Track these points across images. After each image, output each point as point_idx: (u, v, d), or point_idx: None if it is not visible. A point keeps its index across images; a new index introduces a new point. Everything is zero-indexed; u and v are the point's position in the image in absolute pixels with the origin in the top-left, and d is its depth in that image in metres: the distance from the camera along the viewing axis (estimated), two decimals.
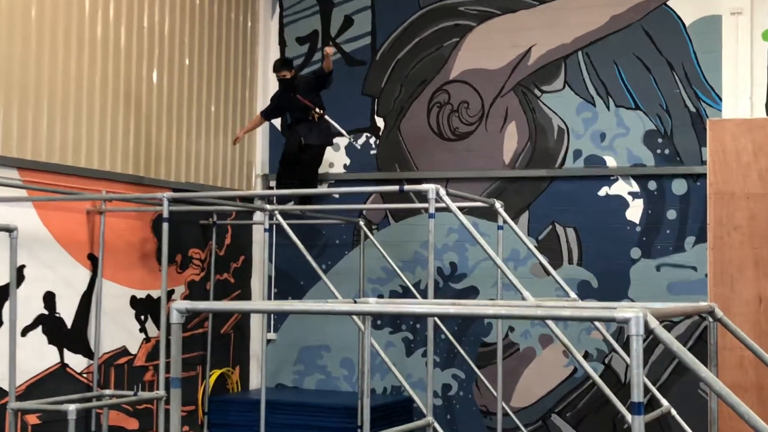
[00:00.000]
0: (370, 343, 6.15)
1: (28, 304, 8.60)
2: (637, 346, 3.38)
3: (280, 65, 10.14)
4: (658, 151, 10.15)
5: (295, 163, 10.28)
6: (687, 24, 10.07)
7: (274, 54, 11.70)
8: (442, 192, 7.06)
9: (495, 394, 8.93)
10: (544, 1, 10.62)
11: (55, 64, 8.93)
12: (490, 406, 10.41)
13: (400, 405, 10.52)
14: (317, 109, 10.16)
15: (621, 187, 10.25)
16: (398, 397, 10.68)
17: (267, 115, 10.72)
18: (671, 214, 10.04)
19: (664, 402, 7.55)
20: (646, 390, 7.71)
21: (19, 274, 8.39)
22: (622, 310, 3.48)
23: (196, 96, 10.77)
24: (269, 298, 11.29)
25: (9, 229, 7.40)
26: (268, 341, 11.21)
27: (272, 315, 11.31)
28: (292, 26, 11.73)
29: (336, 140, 11.15)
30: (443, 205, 7.15)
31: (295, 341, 11.42)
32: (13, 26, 8.47)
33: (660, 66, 10.17)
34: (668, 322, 9.32)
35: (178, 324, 4.17)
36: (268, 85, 11.65)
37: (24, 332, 8.55)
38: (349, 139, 10.99)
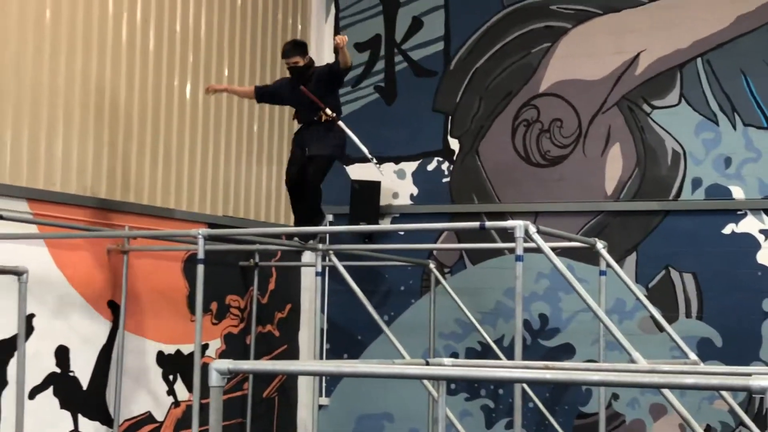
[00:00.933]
0: (444, 412, 6.15)
1: (37, 360, 8.70)
2: None
3: (291, 49, 9.46)
4: None
5: (301, 181, 9.50)
6: None
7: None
8: (532, 229, 7.05)
9: None
10: (654, 1, 10.63)
11: (71, 85, 9.09)
12: None
13: None
14: (327, 110, 9.31)
15: (751, 224, 10.16)
16: None
17: (260, 95, 9.87)
18: None
19: None
20: None
21: (28, 325, 8.49)
22: (760, 377, 3.46)
23: (236, 115, 10.89)
24: (321, 356, 11.29)
25: (18, 272, 7.49)
26: (320, 407, 11.25)
27: (324, 377, 11.36)
28: (350, 30, 11.80)
29: (400, 167, 11.24)
30: (532, 245, 7.14)
31: (351, 408, 11.46)
32: (25, 49, 8.65)
33: None
34: None
35: (219, 387, 4.19)
36: None
37: (32, 394, 8.65)
38: (377, 166, 9.95)
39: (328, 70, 9.46)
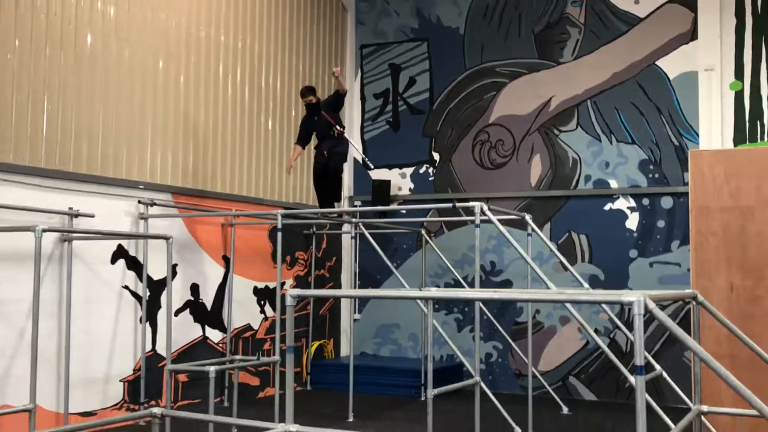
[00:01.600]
0: (431, 322, 6.18)
1: (179, 293, 8.81)
2: (639, 322, 3.35)
3: (307, 91, 9.04)
4: (650, 175, 10.02)
5: (325, 176, 9.18)
6: (671, 78, 9.93)
7: (358, 107, 11.83)
8: (485, 208, 7.06)
9: (526, 360, 8.90)
10: (560, 63, 10.58)
11: (198, 113, 9.16)
12: (522, 370, 10.37)
13: (453, 368, 10.52)
14: (338, 126, 9.02)
15: (621, 204, 10.14)
16: (452, 362, 10.69)
17: (302, 141, 9.29)
18: (660, 224, 9.91)
19: (657, 367, 7.44)
20: (644, 358, 7.63)
21: (173, 271, 8.59)
22: (627, 294, 3.47)
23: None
24: (354, 288, 11.38)
25: (166, 238, 7.55)
26: (355, 320, 11.31)
27: (357, 300, 11.41)
28: (370, 85, 11.81)
29: (403, 171, 11.26)
30: (486, 217, 7.15)
31: (374, 320, 11.49)
32: (174, 89, 8.72)
33: (651, 111, 10.05)
34: (660, 305, 9.18)
35: (291, 306, 4.22)
36: (353, 129, 11.76)
37: (176, 313, 8.76)
38: (368, 166, 10.19)
39: (335, 95, 9.14)
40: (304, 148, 9.39)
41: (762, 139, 9.41)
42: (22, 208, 6.98)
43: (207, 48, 9.29)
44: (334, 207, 9.27)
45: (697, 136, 9.70)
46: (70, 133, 7.62)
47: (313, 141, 9.38)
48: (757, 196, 6.85)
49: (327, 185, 9.21)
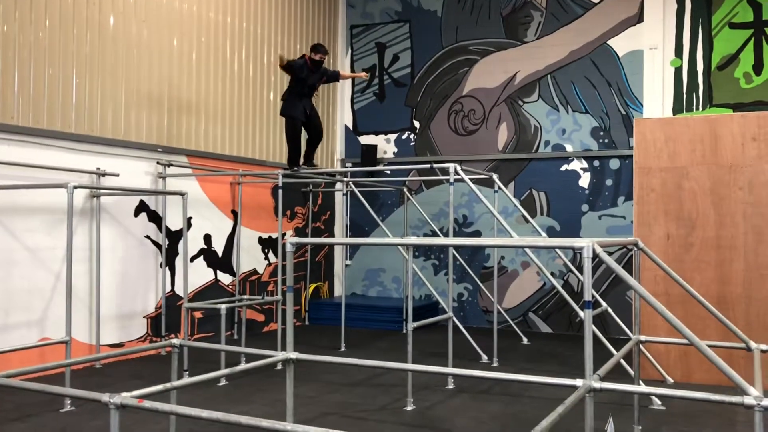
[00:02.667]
0: (411, 266, 6.21)
1: (194, 242, 8.78)
2: (587, 264, 3.39)
3: (324, 50, 8.02)
4: (601, 140, 10.02)
5: (304, 127, 8.19)
6: (620, 55, 9.87)
7: (349, 84, 11.70)
8: (458, 168, 7.04)
9: (492, 299, 8.98)
10: (525, 42, 10.48)
11: (209, 87, 9.03)
12: (489, 307, 10.48)
13: (430, 306, 10.61)
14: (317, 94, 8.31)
15: (575, 165, 10.15)
16: (429, 301, 10.77)
17: (288, 68, 7.95)
18: (609, 182, 9.94)
19: (604, 303, 7.53)
20: (592, 295, 7.72)
21: (189, 223, 8.57)
22: (578, 241, 3.49)
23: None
24: (346, 237, 11.41)
25: (181, 193, 7.52)
26: (346, 265, 11.36)
27: (348, 247, 11.43)
28: (359, 61, 11.66)
29: (388, 137, 11.19)
30: (459, 177, 7.14)
31: (363, 265, 11.53)
32: (187, 65, 8.59)
33: (602, 84, 10.00)
34: (607, 251, 9.26)
35: (291, 252, 4.23)
36: (344, 100, 11.67)
37: (192, 259, 8.74)
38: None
39: (333, 74, 8.35)
40: (285, 70, 8.01)
41: (697, 109, 9.41)
42: (55, 168, 6.93)
43: (215, 29, 9.13)
44: (313, 165, 8.35)
45: (642, 106, 9.68)
46: (97, 102, 7.51)
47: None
48: (691, 157, 6.87)
49: (298, 143, 8.22)
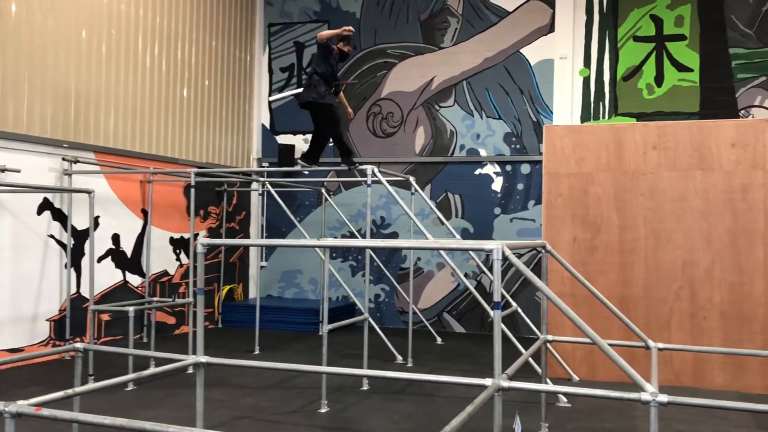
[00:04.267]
0: (328, 267, 6.19)
1: (102, 241, 8.47)
2: (497, 266, 3.48)
3: (354, 43, 7.52)
4: (513, 146, 10.31)
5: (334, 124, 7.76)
6: (532, 64, 10.19)
7: (266, 79, 11.55)
8: (376, 170, 7.07)
9: (408, 299, 9.07)
10: (442, 48, 10.65)
11: (119, 81, 8.73)
12: (405, 308, 10.58)
13: (347, 307, 10.61)
14: (341, 85, 7.77)
15: (489, 169, 10.39)
16: (346, 302, 10.77)
17: (326, 45, 7.49)
18: (520, 186, 10.24)
19: (514, 304, 7.74)
20: (502, 296, 7.93)
21: (96, 223, 8.26)
22: (489, 244, 3.57)
23: (213, 106, 10.59)
24: (262, 238, 11.25)
25: (88, 192, 7.24)
26: (261, 267, 11.21)
27: (264, 248, 11.28)
28: (277, 60, 11.55)
29: (306, 137, 11.13)
30: (377, 179, 7.17)
31: (279, 267, 11.41)
32: (96, 58, 8.26)
33: (514, 91, 10.29)
34: (517, 253, 9.54)
35: (202, 253, 4.15)
36: (261, 99, 11.52)
37: (99, 260, 8.43)
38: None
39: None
40: (324, 47, 7.46)
41: (603, 117, 9.84)
42: None
43: (127, 22, 8.82)
44: (352, 160, 7.80)
45: (552, 113, 10.03)
46: None
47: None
48: (597, 164, 7.17)
49: (332, 134, 7.74)
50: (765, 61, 9.20)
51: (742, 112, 9.24)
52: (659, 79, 9.60)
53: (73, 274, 7.98)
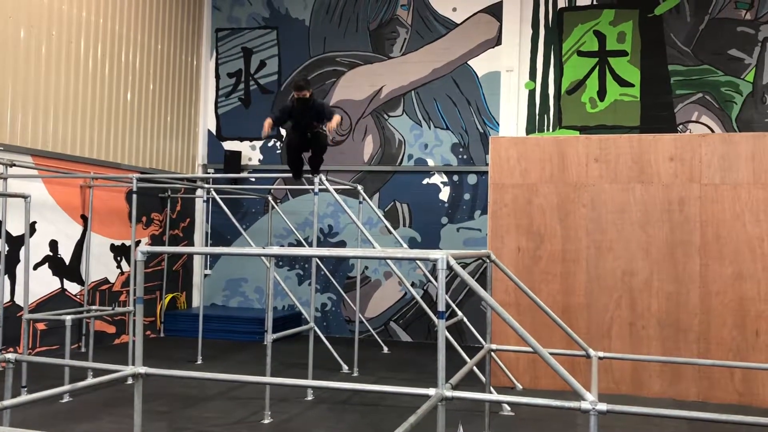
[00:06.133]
0: (273, 276, 6.14)
1: (38, 248, 8.19)
2: (441, 276, 3.51)
3: (299, 86, 7.02)
4: (460, 156, 10.43)
5: (300, 149, 7.54)
6: (479, 76, 10.34)
7: (212, 84, 11.40)
8: (324, 178, 7.06)
9: (355, 308, 9.06)
10: (391, 58, 10.72)
11: (59, 83, 8.49)
12: (352, 317, 10.55)
13: (293, 317, 10.52)
14: (322, 129, 7.31)
15: (436, 179, 10.49)
16: (292, 312, 10.67)
17: (277, 122, 7.39)
18: (467, 196, 10.36)
19: (459, 313, 7.80)
20: (448, 305, 7.99)
21: (32, 228, 8.01)
22: (434, 253, 3.60)
23: (158, 111, 10.40)
24: (206, 246, 11.07)
25: (24, 196, 6.98)
26: (205, 275, 11.02)
27: (208, 257, 11.10)
28: (225, 65, 11.41)
29: (253, 143, 11.01)
30: (324, 187, 7.16)
31: (223, 275, 11.24)
32: (35, 59, 8.01)
33: (462, 102, 10.42)
34: (463, 262, 9.63)
35: (142, 261, 4.06)
36: (207, 104, 11.36)
37: (35, 267, 8.15)
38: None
39: (328, 114, 7.16)
40: (275, 125, 7.37)
41: (548, 129, 10.05)
42: None
43: (69, 23, 8.59)
44: (318, 172, 7.48)
45: (498, 125, 10.19)
46: None
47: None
48: (541, 175, 7.31)
49: (301, 159, 7.59)
50: (701, 78, 9.56)
51: (680, 126, 9.57)
52: (602, 94, 9.87)
53: (7, 282, 7.68)
